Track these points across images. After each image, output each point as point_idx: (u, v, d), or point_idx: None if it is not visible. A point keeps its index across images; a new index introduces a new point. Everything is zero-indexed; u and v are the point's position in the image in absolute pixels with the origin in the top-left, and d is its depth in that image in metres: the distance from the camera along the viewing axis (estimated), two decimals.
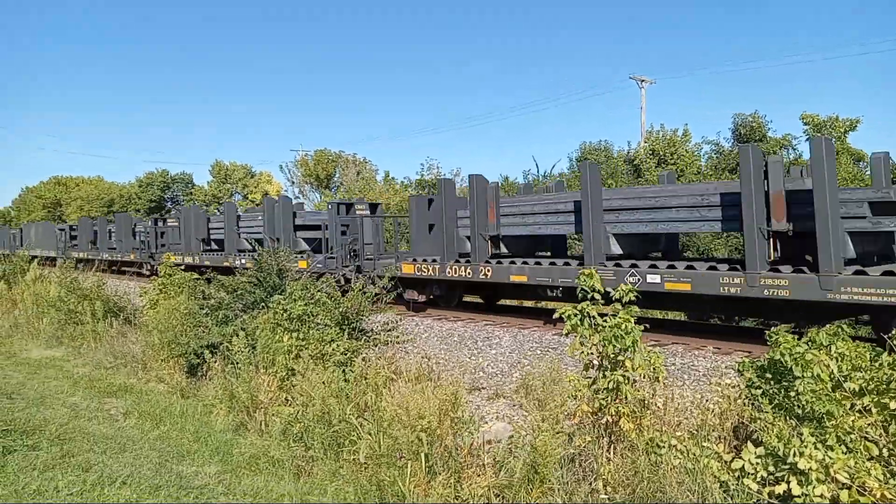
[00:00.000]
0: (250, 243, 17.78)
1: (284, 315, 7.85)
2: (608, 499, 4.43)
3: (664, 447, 4.50)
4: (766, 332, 5.12)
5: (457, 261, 12.35)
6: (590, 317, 5.25)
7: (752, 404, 5.03)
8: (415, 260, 12.87)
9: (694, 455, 4.40)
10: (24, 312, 14.63)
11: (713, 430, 4.89)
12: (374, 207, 16.10)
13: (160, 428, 7.18)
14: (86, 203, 63.08)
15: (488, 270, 11.59)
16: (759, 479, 4.10)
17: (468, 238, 12.39)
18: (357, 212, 15.25)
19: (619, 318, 5.07)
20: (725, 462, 4.31)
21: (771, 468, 4.07)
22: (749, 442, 4.36)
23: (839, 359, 4.53)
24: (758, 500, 4.03)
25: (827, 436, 4.08)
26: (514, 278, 11.17)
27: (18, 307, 15.23)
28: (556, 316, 5.57)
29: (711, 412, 5.09)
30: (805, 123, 23.67)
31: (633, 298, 5.23)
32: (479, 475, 4.99)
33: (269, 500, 5.06)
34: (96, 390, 9.00)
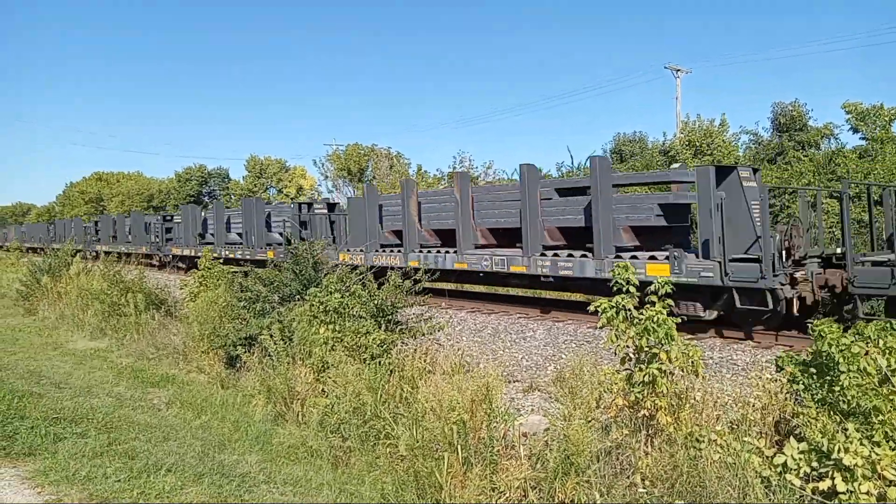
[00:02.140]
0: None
1: (321, 307, 7.95)
2: (647, 493, 4.40)
3: (704, 441, 4.45)
4: (810, 324, 5.01)
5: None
6: (625, 310, 5.21)
7: (794, 399, 4.94)
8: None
9: (734, 450, 4.34)
10: (70, 305, 15.05)
11: (754, 425, 4.82)
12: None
13: (201, 417, 7.34)
14: (126, 198, 64.53)
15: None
16: (801, 475, 4.03)
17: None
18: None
19: (652, 310, 5.02)
20: (767, 457, 4.25)
21: (814, 464, 3.99)
22: (791, 437, 4.28)
23: (888, 353, 4.42)
24: (801, 497, 3.96)
25: (874, 432, 3.99)
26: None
27: (64, 299, 15.68)
28: (590, 309, 5.54)
29: (752, 406, 5.01)
30: (847, 112, 23.00)
31: (669, 290, 5.18)
32: (515, 467, 5.00)
33: (308, 489, 5.14)
34: (139, 380, 9.24)
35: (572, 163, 27.25)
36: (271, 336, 8.19)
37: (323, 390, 7.24)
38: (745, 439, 4.41)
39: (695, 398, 5.10)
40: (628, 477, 4.64)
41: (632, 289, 5.22)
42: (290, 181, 54.88)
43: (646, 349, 5.03)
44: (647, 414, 4.98)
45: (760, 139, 25.09)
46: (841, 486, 3.81)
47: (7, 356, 10.46)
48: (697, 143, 24.72)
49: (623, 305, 5.19)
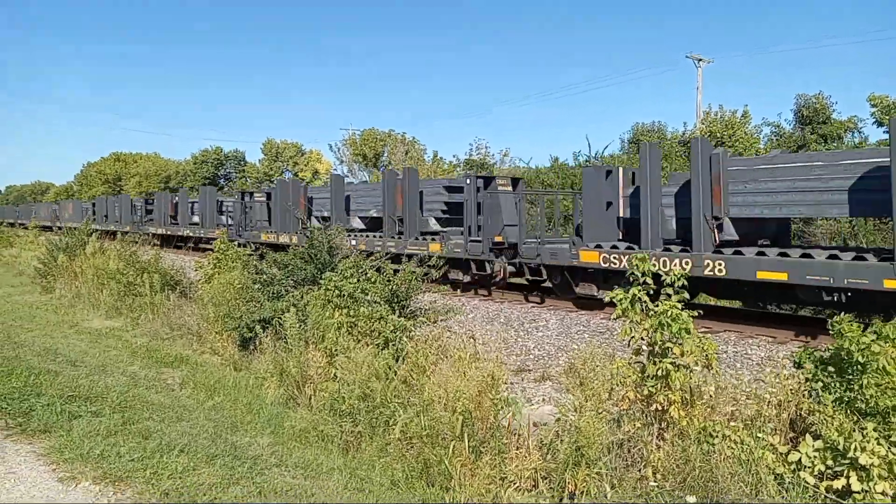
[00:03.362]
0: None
1: (335, 292, 7.96)
2: (658, 487, 4.37)
3: (717, 437, 4.41)
4: (829, 321, 4.94)
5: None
6: (640, 301, 5.16)
7: (811, 396, 4.88)
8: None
9: (748, 446, 4.30)
10: (86, 283, 15.20)
11: (768, 422, 4.77)
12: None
13: (214, 399, 7.40)
14: (144, 179, 65.02)
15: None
16: (816, 473, 3.99)
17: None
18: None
19: (667, 303, 4.97)
20: (781, 454, 4.21)
21: (829, 462, 3.95)
22: (807, 435, 4.24)
23: None
24: (814, 495, 3.92)
25: (891, 432, 3.93)
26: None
27: (80, 278, 15.83)
28: (606, 300, 5.49)
29: (767, 402, 4.95)
30: (873, 105, 22.60)
31: (684, 284, 5.12)
32: (525, 457, 4.99)
33: (319, 473, 5.17)
34: (154, 360, 9.32)
35: (590, 151, 27.09)
36: (285, 319, 8.22)
37: (335, 375, 7.27)
38: (760, 435, 4.37)
39: (709, 393, 5.05)
40: (639, 470, 4.61)
41: (648, 280, 5.17)
42: (306, 165, 54.99)
43: (660, 342, 4.99)
44: (659, 408, 4.94)
45: (783, 131, 24.76)
46: (856, 486, 3.77)
47: (24, 333, 10.59)
48: (718, 135, 24.45)
49: (639, 297, 5.14)
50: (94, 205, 44.31)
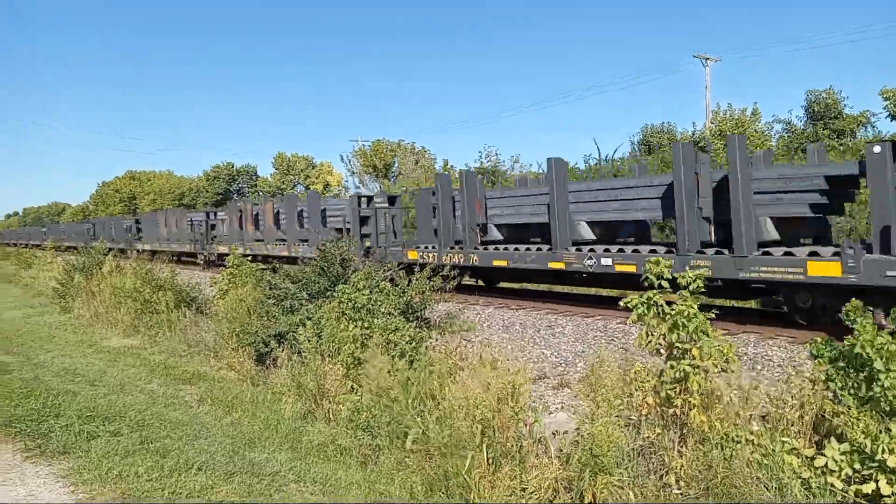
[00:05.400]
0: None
1: (349, 304, 7.94)
2: (681, 494, 4.30)
3: (739, 441, 4.34)
4: (844, 319, 4.84)
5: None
6: (657, 305, 5.11)
7: (833, 396, 4.79)
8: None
9: (771, 450, 4.22)
10: (103, 302, 15.32)
11: (791, 425, 4.68)
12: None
13: (232, 415, 7.40)
14: (158, 196, 65.60)
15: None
16: (843, 478, 3.90)
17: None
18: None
19: (682, 305, 4.91)
20: (806, 458, 4.12)
21: (857, 465, 3.86)
22: (832, 437, 4.15)
23: None
24: (843, 499, 3.84)
25: None
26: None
27: (97, 298, 15.96)
28: (622, 304, 5.44)
29: (789, 405, 4.86)
30: (885, 99, 22.35)
31: (700, 285, 5.06)
32: (545, 466, 4.93)
33: (337, 488, 5.14)
34: (172, 377, 9.35)
35: (599, 155, 26.96)
36: (300, 333, 8.21)
37: (352, 387, 7.25)
38: (783, 439, 4.29)
39: (729, 397, 4.97)
40: (661, 477, 4.54)
41: (664, 283, 5.12)
42: (317, 177, 55.25)
43: (677, 345, 4.92)
44: (678, 412, 4.87)
45: (794, 128, 24.55)
46: (885, 489, 3.68)
47: (43, 353, 10.67)
48: (728, 133, 24.26)
49: (655, 301, 5.08)
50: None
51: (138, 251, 27.07)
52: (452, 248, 14.88)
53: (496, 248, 13.92)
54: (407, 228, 21.00)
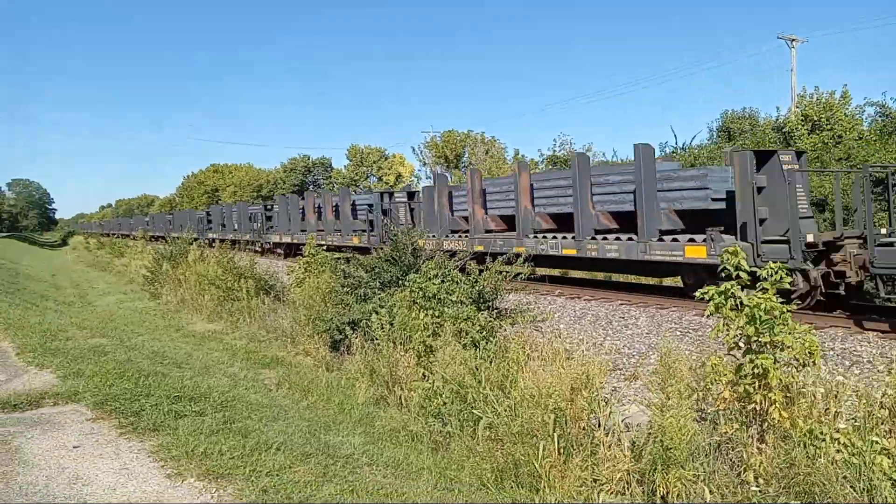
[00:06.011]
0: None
1: (420, 293, 8.05)
2: (760, 492, 4.16)
3: (825, 439, 4.15)
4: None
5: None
6: (734, 297, 4.93)
7: None
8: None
9: (859, 449, 4.03)
10: (189, 290, 16.08)
11: (881, 424, 4.44)
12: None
13: (308, 399, 7.65)
14: (238, 188, 68.08)
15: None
16: None
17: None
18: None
19: (760, 296, 4.71)
20: None
21: None
22: None
23: None
24: None
25: None
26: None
27: (183, 285, 16.77)
28: (697, 295, 5.29)
29: (879, 403, 4.61)
30: None
31: (783, 276, 4.85)
32: (618, 458, 4.86)
33: (409, 472, 5.24)
34: (252, 362, 9.74)
35: (676, 142, 26.17)
36: (373, 321, 8.39)
37: (424, 374, 7.35)
38: (873, 439, 4.08)
39: (814, 394, 4.76)
40: (739, 474, 4.40)
41: (743, 275, 4.94)
42: (389, 169, 55.96)
43: (755, 339, 4.74)
44: (757, 408, 4.70)
45: (888, 111, 23.02)
46: None
47: (135, 337, 11.30)
48: (815, 118, 23.04)
49: (732, 293, 4.92)
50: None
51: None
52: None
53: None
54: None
